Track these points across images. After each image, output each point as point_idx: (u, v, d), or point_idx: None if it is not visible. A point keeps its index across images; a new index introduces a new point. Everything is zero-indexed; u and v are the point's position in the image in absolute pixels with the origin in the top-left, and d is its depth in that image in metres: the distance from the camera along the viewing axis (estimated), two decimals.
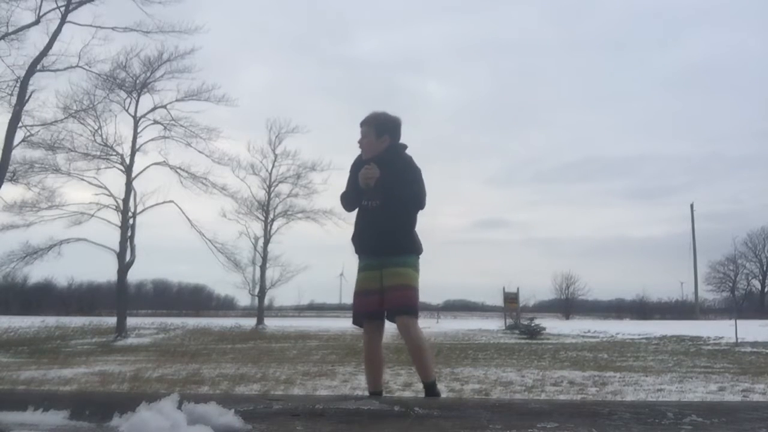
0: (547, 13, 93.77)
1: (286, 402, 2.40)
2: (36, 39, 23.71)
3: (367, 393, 3.68)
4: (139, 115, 23.64)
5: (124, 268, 22.72)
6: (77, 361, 11.35)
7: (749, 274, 56.71)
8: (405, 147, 3.54)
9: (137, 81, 22.93)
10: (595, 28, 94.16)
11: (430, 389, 3.27)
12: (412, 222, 3.47)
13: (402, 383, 6.80)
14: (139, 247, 23.23)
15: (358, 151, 3.59)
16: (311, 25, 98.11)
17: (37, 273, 59.24)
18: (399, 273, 3.31)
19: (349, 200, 3.58)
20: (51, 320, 28.95)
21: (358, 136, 3.56)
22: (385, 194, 3.38)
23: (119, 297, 23.82)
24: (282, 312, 61.53)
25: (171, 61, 22.79)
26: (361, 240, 3.48)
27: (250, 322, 31.96)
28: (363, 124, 3.52)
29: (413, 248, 3.42)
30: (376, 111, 3.55)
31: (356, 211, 3.55)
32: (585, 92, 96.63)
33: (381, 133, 3.48)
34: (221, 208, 32.50)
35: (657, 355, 12.32)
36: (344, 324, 31.35)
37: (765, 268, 55.69)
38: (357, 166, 3.51)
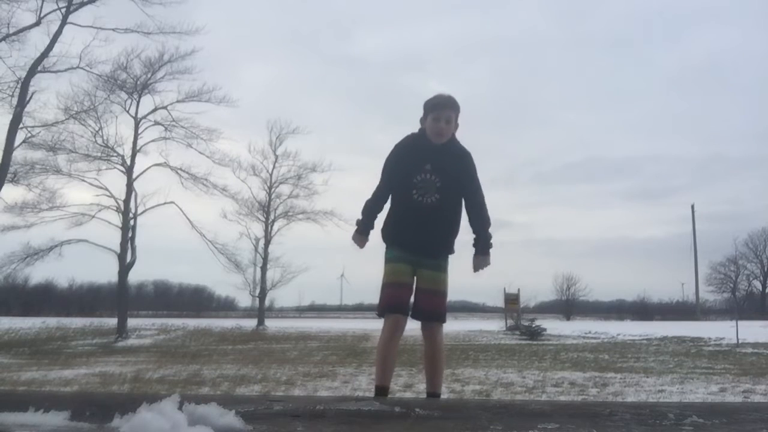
0: (549, 12, 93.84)
1: (286, 403, 2.40)
2: (37, 40, 23.73)
3: (367, 394, 3.64)
4: (139, 116, 23.75)
5: (124, 269, 22.75)
6: (78, 362, 11.37)
7: (750, 274, 56.72)
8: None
9: (138, 82, 23.00)
10: (597, 28, 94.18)
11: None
12: (459, 224, 3.28)
13: (402, 384, 6.80)
14: (139, 250, 23.32)
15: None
16: (312, 24, 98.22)
17: (37, 274, 59.37)
18: (434, 278, 3.18)
19: (379, 203, 3.32)
20: (52, 321, 29.00)
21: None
22: (446, 191, 3.14)
23: (120, 298, 23.85)
24: (283, 313, 61.59)
25: (172, 62, 22.93)
26: (405, 235, 3.18)
27: (250, 323, 31.97)
28: (447, 107, 3.20)
29: (452, 250, 3.27)
30: (440, 93, 3.28)
31: (399, 200, 3.25)
32: (586, 92, 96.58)
33: (457, 120, 3.26)
34: (222, 209, 32.55)
35: (658, 356, 12.32)
36: (345, 325, 31.37)
37: (766, 269, 55.67)
38: (406, 153, 3.22)
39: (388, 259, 3.22)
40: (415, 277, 3.20)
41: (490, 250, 3.23)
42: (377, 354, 3.31)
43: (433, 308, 3.19)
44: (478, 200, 3.25)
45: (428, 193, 3.14)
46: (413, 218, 3.16)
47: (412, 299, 3.22)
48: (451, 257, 3.29)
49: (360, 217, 3.37)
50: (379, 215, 3.37)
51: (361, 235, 3.34)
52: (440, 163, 3.16)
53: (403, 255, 3.19)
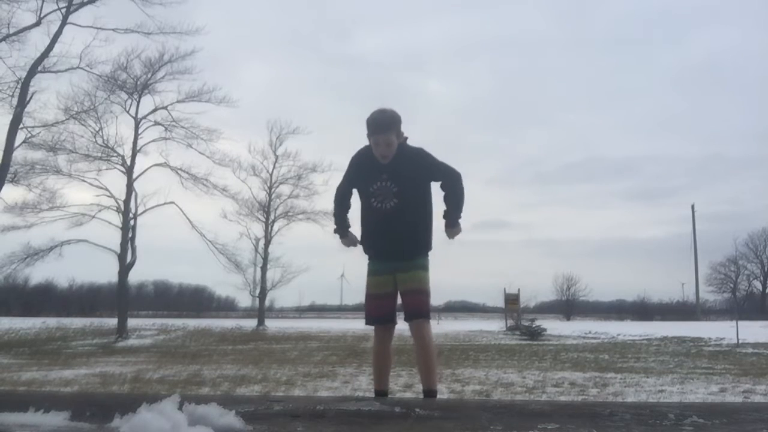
0: (549, 11, 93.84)
1: (286, 403, 2.40)
2: (37, 40, 23.80)
3: (367, 394, 3.69)
4: (140, 116, 23.75)
5: (124, 269, 22.75)
6: (78, 362, 11.36)
7: (750, 275, 56.66)
8: (406, 138, 3.35)
9: (138, 82, 23.00)
10: (597, 28, 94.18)
11: (430, 397, 3.23)
12: (430, 221, 3.37)
13: (403, 384, 6.80)
14: (140, 250, 23.31)
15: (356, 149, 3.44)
16: (312, 24, 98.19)
17: (38, 274, 59.40)
18: (412, 277, 3.28)
19: (343, 202, 3.49)
20: (52, 321, 29.01)
21: (363, 141, 3.31)
22: (405, 195, 3.25)
23: (120, 298, 23.85)
24: (283, 313, 61.60)
25: (172, 63, 22.92)
26: (374, 243, 3.36)
27: (250, 324, 31.97)
28: (385, 131, 3.22)
29: (426, 248, 3.36)
30: (381, 111, 3.29)
31: (363, 209, 3.39)
32: (586, 92, 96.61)
33: (399, 133, 3.31)
34: (222, 210, 32.60)
35: (658, 356, 12.31)
36: (345, 325, 31.37)
37: (766, 269, 55.62)
38: (362, 164, 3.35)
39: (369, 272, 3.39)
40: (396, 283, 3.31)
41: (459, 221, 3.36)
42: (372, 361, 3.51)
43: (414, 306, 3.27)
44: (450, 179, 3.34)
45: (386, 198, 3.27)
46: (376, 225, 3.30)
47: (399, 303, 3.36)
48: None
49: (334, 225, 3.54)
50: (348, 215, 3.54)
51: (343, 237, 3.50)
52: (396, 169, 3.26)
53: (380, 266, 3.34)
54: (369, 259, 3.41)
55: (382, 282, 3.32)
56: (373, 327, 3.41)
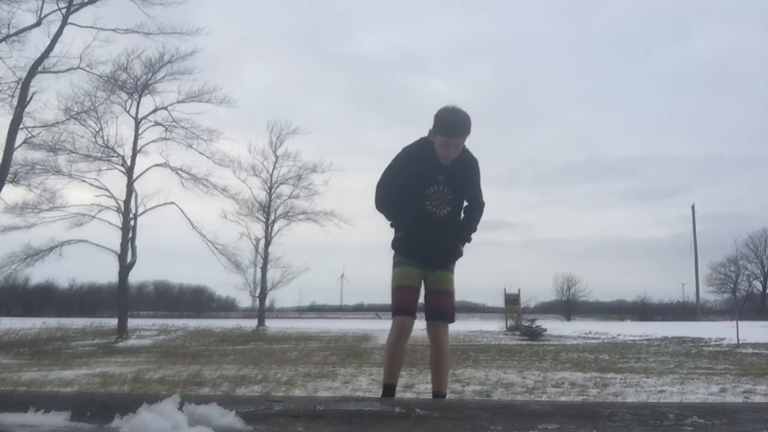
0: (549, 11, 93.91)
1: (287, 403, 2.40)
2: (37, 41, 23.86)
3: (367, 394, 3.67)
4: (140, 116, 23.76)
5: (125, 269, 22.75)
6: (78, 362, 11.36)
7: (750, 275, 56.70)
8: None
9: (138, 82, 23.00)
10: (598, 28, 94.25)
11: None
12: None
13: (403, 384, 6.80)
14: (140, 250, 23.32)
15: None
16: (313, 23, 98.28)
17: (38, 274, 59.61)
18: (443, 277, 3.23)
19: (392, 198, 3.25)
20: (52, 322, 29.02)
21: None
22: (457, 203, 3.23)
23: (120, 298, 23.84)
24: (283, 313, 61.65)
25: (172, 63, 22.93)
26: (419, 246, 3.19)
27: (251, 324, 31.97)
28: (460, 135, 3.10)
29: (460, 254, 3.34)
30: (456, 112, 3.10)
31: (410, 208, 3.22)
32: (587, 92, 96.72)
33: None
34: (222, 210, 32.80)
35: (658, 357, 12.31)
36: (345, 325, 31.34)
37: (766, 270, 55.64)
38: (418, 162, 3.17)
39: (397, 263, 3.24)
40: (422, 280, 3.25)
41: (464, 245, 3.34)
42: (385, 353, 3.37)
43: (440, 307, 3.22)
44: (476, 207, 3.33)
45: (441, 205, 3.19)
46: (426, 229, 3.17)
47: (421, 301, 3.28)
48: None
49: (391, 221, 3.31)
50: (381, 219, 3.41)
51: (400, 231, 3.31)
52: (452, 173, 3.18)
53: (412, 260, 3.22)
54: (398, 252, 3.27)
55: (412, 275, 3.20)
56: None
